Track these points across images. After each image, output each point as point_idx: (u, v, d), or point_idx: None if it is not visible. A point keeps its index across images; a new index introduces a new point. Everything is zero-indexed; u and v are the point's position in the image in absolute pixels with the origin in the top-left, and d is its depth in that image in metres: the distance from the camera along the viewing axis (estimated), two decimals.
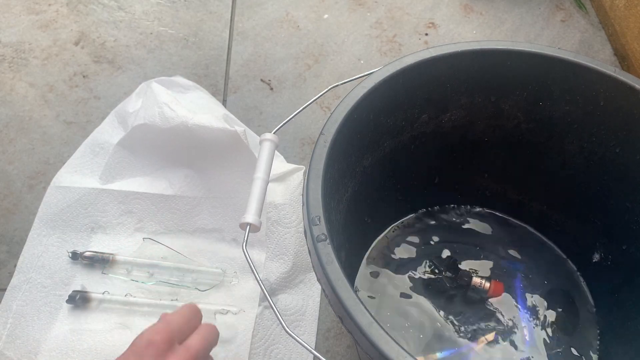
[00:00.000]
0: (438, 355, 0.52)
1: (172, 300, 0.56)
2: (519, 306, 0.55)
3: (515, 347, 0.53)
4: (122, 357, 0.34)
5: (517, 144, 0.54)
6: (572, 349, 0.53)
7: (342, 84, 0.48)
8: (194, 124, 0.57)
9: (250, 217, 0.39)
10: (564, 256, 0.59)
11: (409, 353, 0.31)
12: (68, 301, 0.55)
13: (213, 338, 0.39)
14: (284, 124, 0.45)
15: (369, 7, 0.88)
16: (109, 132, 0.66)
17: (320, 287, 0.39)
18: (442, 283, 0.56)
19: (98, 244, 0.59)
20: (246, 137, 0.58)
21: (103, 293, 0.55)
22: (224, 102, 0.75)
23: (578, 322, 0.55)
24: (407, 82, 0.46)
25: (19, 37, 0.79)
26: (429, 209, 0.62)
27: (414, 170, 0.56)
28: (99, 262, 0.58)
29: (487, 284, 0.55)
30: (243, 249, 0.38)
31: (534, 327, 0.54)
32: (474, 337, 0.53)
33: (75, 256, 0.58)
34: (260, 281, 0.36)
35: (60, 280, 0.57)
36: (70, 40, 0.80)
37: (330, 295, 0.34)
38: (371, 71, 0.45)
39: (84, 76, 0.76)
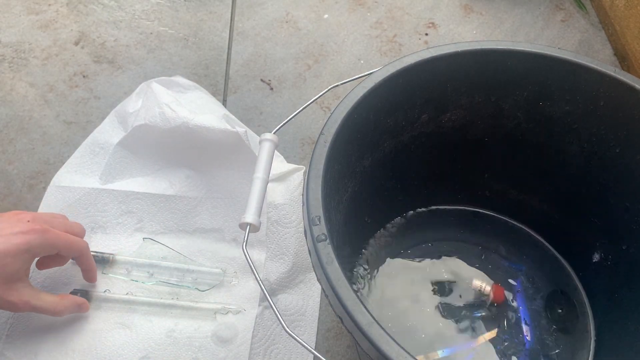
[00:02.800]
0: (439, 354, 0.52)
1: (172, 299, 0.56)
2: (519, 306, 0.56)
3: (515, 347, 0.53)
4: None
5: (517, 144, 0.54)
6: (571, 350, 0.53)
7: (342, 84, 0.48)
8: (195, 124, 0.57)
9: (249, 217, 0.39)
10: (564, 256, 0.59)
11: (409, 353, 0.31)
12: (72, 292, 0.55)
13: (75, 239, 0.52)
14: (284, 124, 0.45)
15: (369, 7, 0.88)
16: (109, 132, 0.66)
17: (320, 287, 0.39)
18: (443, 283, 0.56)
19: (98, 244, 0.59)
20: (247, 138, 0.58)
21: (104, 292, 0.55)
22: (224, 102, 0.75)
23: (577, 322, 0.55)
24: (407, 82, 0.46)
25: (19, 37, 0.79)
26: (429, 209, 0.62)
27: (414, 170, 0.56)
28: (99, 262, 0.57)
29: (488, 288, 0.55)
30: (243, 249, 0.38)
31: (533, 327, 0.54)
32: (474, 336, 0.53)
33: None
34: (260, 281, 0.37)
35: (60, 280, 0.57)
36: (70, 40, 0.80)
37: (330, 295, 0.34)
38: (371, 71, 0.45)
39: (84, 76, 0.76)
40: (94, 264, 0.55)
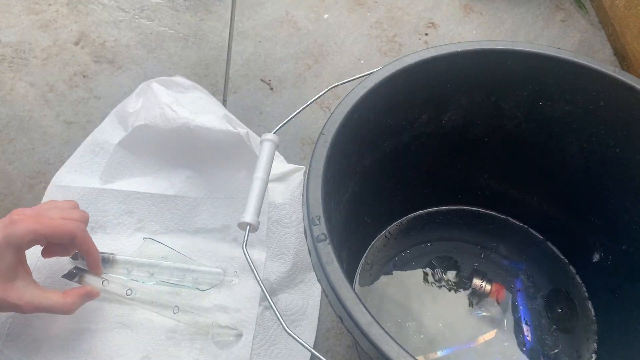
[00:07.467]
0: (438, 354, 0.52)
1: (172, 299, 0.56)
2: (519, 306, 0.56)
3: (515, 347, 0.53)
4: None
5: (517, 144, 0.54)
6: (572, 349, 0.53)
7: (342, 84, 0.48)
8: (196, 125, 0.57)
9: (248, 216, 0.39)
10: (564, 256, 0.59)
11: (409, 353, 0.31)
12: (65, 276, 0.54)
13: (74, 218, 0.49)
14: (284, 124, 0.45)
15: (369, 7, 0.88)
16: (109, 132, 0.66)
17: (320, 286, 0.39)
18: (442, 282, 0.56)
19: (98, 244, 0.58)
20: (249, 139, 0.58)
21: (102, 282, 0.54)
22: (224, 102, 0.75)
23: (578, 322, 0.55)
24: (407, 82, 0.46)
25: (19, 37, 0.79)
26: (429, 209, 0.62)
27: (414, 170, 0.56)
28: None
29: (488, 287, 0.55)
30: (243, 249, 0.38)
31: (534, 327, 0.54)
32: (473, 336, 0.53)
33: (75, 256, 0.57)
34: (260, 281, 0.37)
35: (60, 280, 0.57)
36: (70, 40, 0.80)
37: (330, 295, 0.34)
38: (371, 71, 0.45)
39: (84, 76, 0.76)
40: (95, 249, 0.52)
